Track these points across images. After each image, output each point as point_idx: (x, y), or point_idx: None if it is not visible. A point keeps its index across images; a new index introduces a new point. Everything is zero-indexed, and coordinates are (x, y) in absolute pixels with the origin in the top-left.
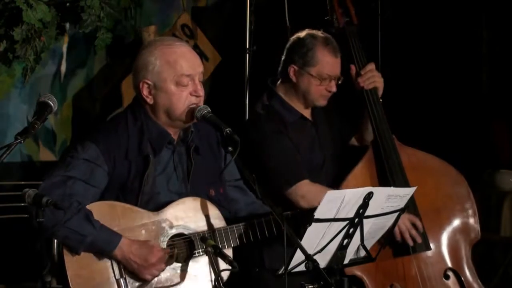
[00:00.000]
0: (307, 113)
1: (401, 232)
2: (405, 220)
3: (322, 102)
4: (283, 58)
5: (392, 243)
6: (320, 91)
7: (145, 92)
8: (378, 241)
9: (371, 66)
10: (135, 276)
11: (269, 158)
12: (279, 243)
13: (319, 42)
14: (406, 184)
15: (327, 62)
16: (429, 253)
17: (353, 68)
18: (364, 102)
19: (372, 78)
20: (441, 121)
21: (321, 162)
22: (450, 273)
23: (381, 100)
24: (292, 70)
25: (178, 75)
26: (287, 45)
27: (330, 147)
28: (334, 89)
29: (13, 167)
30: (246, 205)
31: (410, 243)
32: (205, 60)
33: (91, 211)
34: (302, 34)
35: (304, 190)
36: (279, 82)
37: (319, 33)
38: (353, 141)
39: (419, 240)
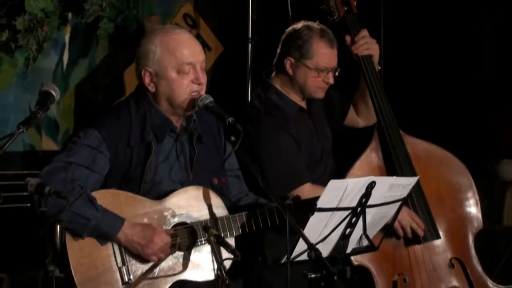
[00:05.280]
0: (303, 104)
1: (402, 226)
2: (405, 215)
3: (319, 94)
4: (278, 50)
5: (401, 234)
6: (317, 83)
7: (147, 80)
8: (381, 230)
9: (364, 33)
10: (137, 264)
11: (270, 158)
12: (279, 234)
13: (315, 33)
14: (413, 174)
15: (324, 54)
16: (434, 242)
17: (348, 39)
18: (361, 71)
19: (365, 45)
20: (443, 110)
21: (319, 154)
22: (455, 262)
23: (379, 67)
24: (288, 62)
25: (179, 62)
26: (283, 37)
27: (327, 137)
28: (331, 80)
29: (15, 157)
30: (239, 194)
31: (409, 235)
32: (207, 50)
33: (95, 197)
34: (298, 26)
35: (305, 193)
36: (273, 74)
37: (315, 24)
38: (352, 116)
39: (421, 233)
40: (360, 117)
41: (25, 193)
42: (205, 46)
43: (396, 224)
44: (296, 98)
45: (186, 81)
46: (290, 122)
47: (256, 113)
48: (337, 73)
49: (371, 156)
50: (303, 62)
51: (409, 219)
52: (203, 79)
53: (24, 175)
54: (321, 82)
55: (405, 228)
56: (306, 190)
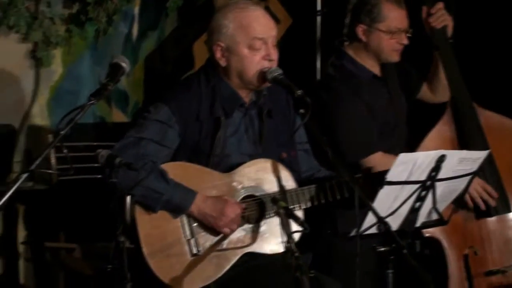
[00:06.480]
0: (377, 71)
1: (472, 197)
2: (476, 185)
3: (395, 57)
4: (348, 20)
5: (471, 206)
6: (392, 45)
7: (218, 54)
8: (451, 204)
9: (441, 5)
10: (206, 236)
11: (343, 124)
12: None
13: None
14: (485, 147)
15: (395, 16)
16: (506, 215)
17: (424, 9)
18: (436, 43)
19: (442, 17)
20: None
21: (393, 122)
22: None
23: (451, 40)
24: (360, 30)
25: (250, 38)
26: (349, 7)
27: (402, 106)
28: (405, 41)
29: (86, 128)
30: (310, 170)
31: (482, 207)
32: (276, 22)
33: (166, 171)
34: None
35: (375, 162)
36: (346, 44)
37: None
38: (425, 92)
39: (493, 203)
40: (434, 93)
41: (95, 165)
42: (274, 18)
43: (466, 195)
44: (371, 64)
45: (258, 58)
46: (364, 89)
47: (331, 81)
48: (409, 34)
49: (443, 128)
50: (375, 26)
51: (479, 190)
52: (275, 55)
53: (95, 147)
54: (396, 44)
55: (475, 199)
56: (377, 159)
